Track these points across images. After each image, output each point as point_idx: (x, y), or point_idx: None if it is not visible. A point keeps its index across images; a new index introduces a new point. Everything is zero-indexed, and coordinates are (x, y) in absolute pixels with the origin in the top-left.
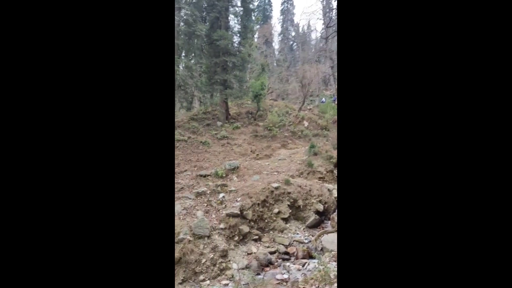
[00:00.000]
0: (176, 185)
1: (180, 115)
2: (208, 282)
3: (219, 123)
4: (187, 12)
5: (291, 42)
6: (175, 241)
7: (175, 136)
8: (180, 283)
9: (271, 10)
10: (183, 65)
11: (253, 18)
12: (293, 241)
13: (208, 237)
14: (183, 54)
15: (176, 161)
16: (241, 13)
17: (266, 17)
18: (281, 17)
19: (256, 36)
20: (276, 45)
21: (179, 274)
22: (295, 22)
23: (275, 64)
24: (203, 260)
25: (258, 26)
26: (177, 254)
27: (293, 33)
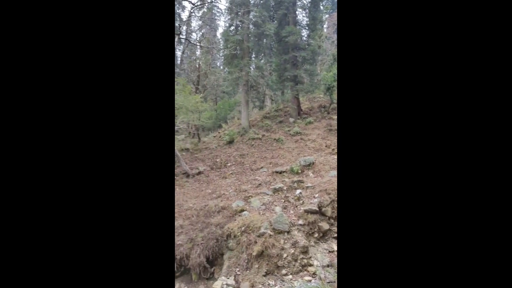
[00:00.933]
0: (254, 182)
1: (254, 114)
2: (290, 276)
3: (291, 119)
4: (255, 14)
5: None
6: (257, 234)
7: (250, 135)
8: (264, 275)
9: None
10: (254, 66)
11: (322, 8)
12: None
13: (288, 232)
14: (253, 55)
15: (252, 159)
16: (309, 5)
17: (335, 5)
18: None
19: (325, 26)
20: None
21: (263, 267)
22: None
23: None
24: (285, 255)
25: (327, 16)
26: (259, 247)
27: None
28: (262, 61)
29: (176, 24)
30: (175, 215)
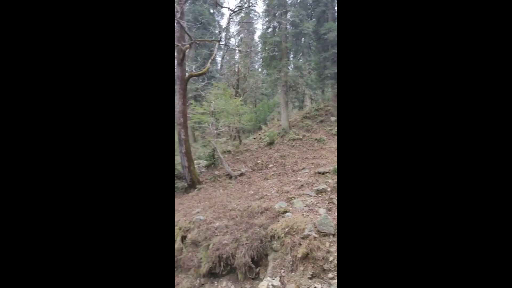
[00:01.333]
0: (296, 183)
1: (293, 114)
2: (336, 281)
3: (332, 119)
4: (293, 13)
5: None
6: (301, 236)
7: (290, 135)
8: (310, 278)
9: None
10: (292, 66)
11: None
12: None
13: (333, 235)
14: (292, 55)
15: (293, 160)
16: None
17: None
18: None
19: None
20: None
21: (308, 269)
22: None
23: None
24: (331, 258)
25: None
26: (304, 250)
27: None
28: (301, 60)
29: (216, 31)
30: (220, 215)
